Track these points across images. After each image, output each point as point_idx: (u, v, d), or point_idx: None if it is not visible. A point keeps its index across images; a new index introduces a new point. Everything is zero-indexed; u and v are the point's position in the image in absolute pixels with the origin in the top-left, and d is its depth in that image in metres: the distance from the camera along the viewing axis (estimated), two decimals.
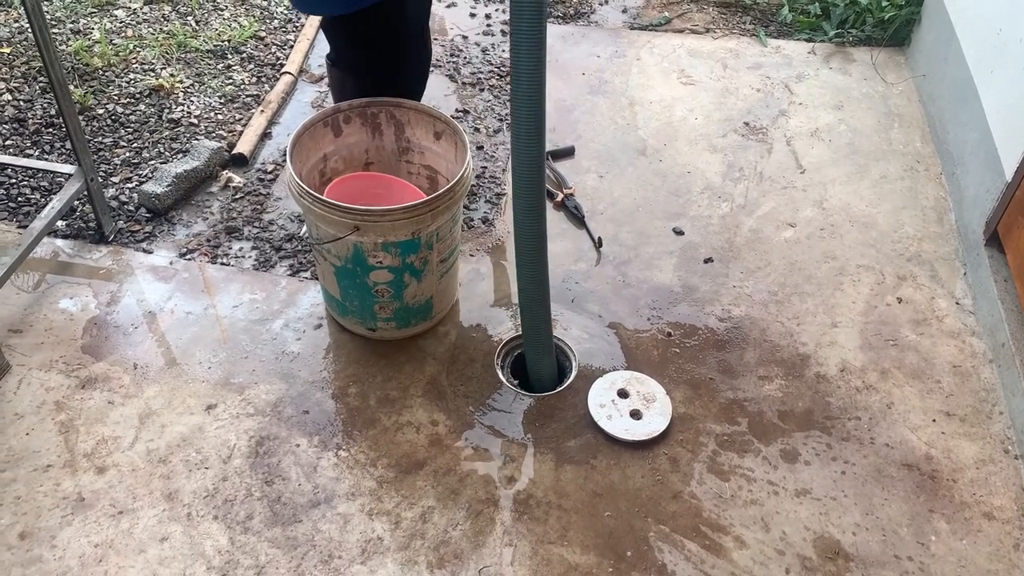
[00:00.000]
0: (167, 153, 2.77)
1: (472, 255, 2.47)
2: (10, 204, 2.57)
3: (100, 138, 2.81)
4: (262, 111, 2.94)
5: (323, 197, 1.89)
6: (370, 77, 2.20)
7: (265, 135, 2.88)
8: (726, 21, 3.54)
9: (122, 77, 3.06)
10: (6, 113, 2.87)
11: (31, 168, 2.61)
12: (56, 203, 2.27)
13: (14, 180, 2.65)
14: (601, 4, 3.64)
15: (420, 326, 2.21)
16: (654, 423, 2.03)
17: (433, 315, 2.22)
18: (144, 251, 2.45)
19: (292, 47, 3.28)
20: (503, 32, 3.42)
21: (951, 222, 2.61)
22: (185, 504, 1.86)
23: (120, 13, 3.39)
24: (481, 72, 3.20)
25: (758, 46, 3.38)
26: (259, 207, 2.61)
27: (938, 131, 2.88)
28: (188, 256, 2.44)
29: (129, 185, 2.65)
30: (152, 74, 3.08)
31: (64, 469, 1.92)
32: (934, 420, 2.08)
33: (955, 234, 2.57)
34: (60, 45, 3.17)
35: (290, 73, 3.12)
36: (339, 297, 2.13)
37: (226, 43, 3.26)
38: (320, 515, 1.85)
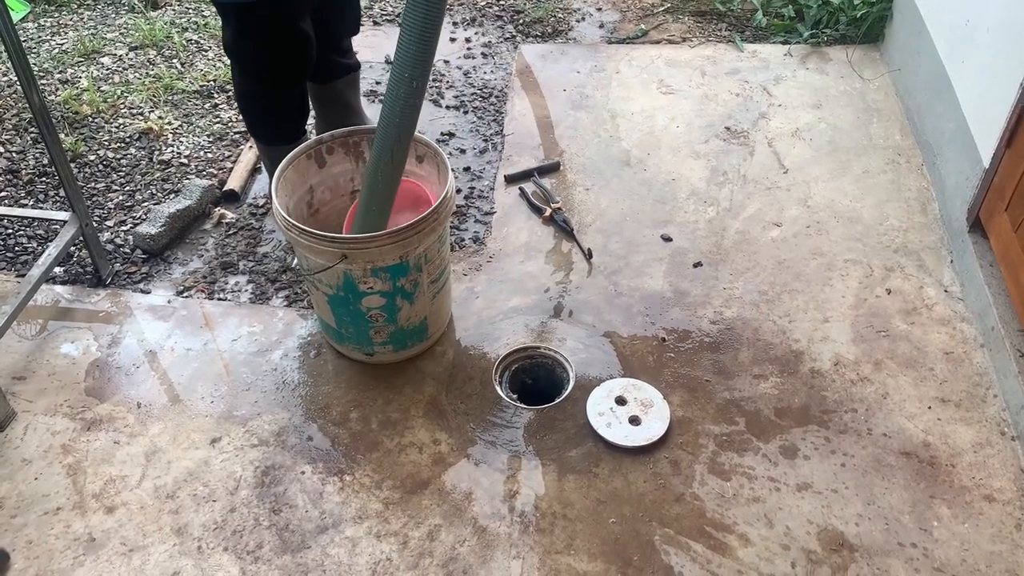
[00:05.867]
0: (159, 194, 2.81)
1: (465, 274, 2.51)
2: (7, 254, 2.61)
3: (93, 184, 2.86)
4: (251, 147, 2.98)
5: (308, 228, 1.93)
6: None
7: (255, 170, 2.93)
8: (702, 29, 3.59)
9: (111, 123, 3.11)
10: None
11: (26, 217, 2.66)
12: (52, 250, 2.31)
13: (10, 230, 2.69)
14: (578, 21, 3.69)
15: (417, 347, 2.24)
16: (653, 428, 2.05)
17: (429, 335, 2.25)
18: (142, 292, 2.48)
19: None
20: (484, 55, 3.48)
21: (935, 211, 2.65)
22: (195, 538, 1.89)
23: (106, 60, 3.45)
24: (464, 95, 3.25)
25: (735, 52, 3.43)
26: (253, 241, 2.65)
27: (916, 123, 2.92)
28: (185, 294, 2.47)
29: (124, 228, 2.69)
30: (141, 118, 3.13)
31: (74, 511, 1.94)
32: (930, 407, 2.11)
33: (939, 223, 2.60)
34: (49, 95, 3.23)
35: None
36: (334, 325, 2.16)
37: (212, 83, 3.31)
38: (328, 540, 1.87)
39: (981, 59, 2.45)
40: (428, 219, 1.96)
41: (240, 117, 3.15)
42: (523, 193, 2.78)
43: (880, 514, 1.89)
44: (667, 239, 2.60)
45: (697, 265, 2.51)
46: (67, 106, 3.15)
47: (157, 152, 2.98)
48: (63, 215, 2.41)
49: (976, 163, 2.38)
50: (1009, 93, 2.22)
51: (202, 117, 3.16)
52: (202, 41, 3.57)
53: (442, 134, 3.05)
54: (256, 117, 2.47)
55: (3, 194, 2.82)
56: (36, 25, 3.68)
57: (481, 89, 3.28)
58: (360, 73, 2.73)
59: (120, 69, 3.40)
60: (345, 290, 2.03)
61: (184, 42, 3.54)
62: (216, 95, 3.26)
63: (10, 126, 3.10)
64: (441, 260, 2.13)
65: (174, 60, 3.45)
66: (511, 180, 2.84)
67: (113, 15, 3.76)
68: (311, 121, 2.82)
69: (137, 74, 3.37)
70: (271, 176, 2.19)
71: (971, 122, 2.46)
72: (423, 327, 2.20)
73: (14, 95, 3.24)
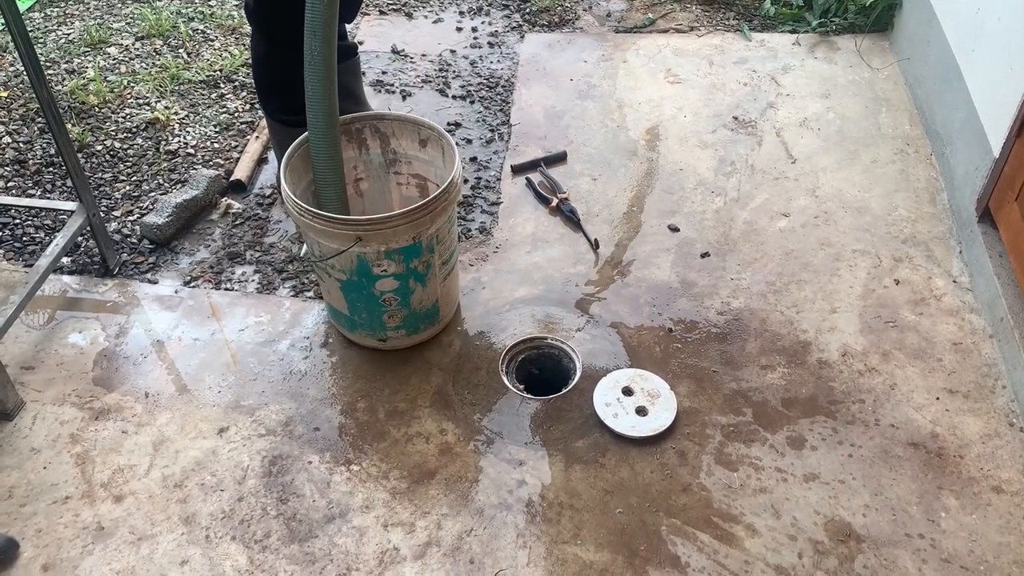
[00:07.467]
0: (166, 184, 2.81)
1: (472, 264, 2.51)
2: (15, 244, 2.61)
3: (100, 174, 2.86)
4: (257, 137, 2.98)
5: (321, 212, 1.93)
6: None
7: (261, 160, 2.92)
8: (710, 18, 3.57)
9: (118, 113, 3.11)
10: (7, 155, 2.92)
11: (34, 208, 2.66)
12: (60, 240, 2.32)
13: (18, 220, 2.69)
14: (585, 10, 3.68)
15: (428, 331, 2.25)
16: (660, 418, 2.05)
17: (440, 319, 2.25)
18: (149, 282, 2.48)
19: None
20: (490, 44, 3.46)
21: (943, 202, 2.63)
22: (203, 527, 1.89)
23: (113, 50, 3.45)
24: (471, 85, 3.24)
25: (743, 41, 3.42)
26: (259, 231, 2.65)
27: (925, 113, 2.91)
28: (192, 284, 2.47)
29: (131, 218, 2.69)
30: (147, 108, 3.13)
31: (82, 500, 1.95)
32: (938, 398, 2.10)
33: (948, 213, 2.59)
34: (56, 85, 3.23)
35: None
36: (347, 312, 2.16)
37: (218, 73, 3.31)
38: (336, 529, 1.88)
39: (992, 48, 2.43)
40: (439, 199, 1.96)
41: (247, 108, 3.15)
42: (530, 183, 2.78)
43: (887, 505, 1.89)
44: (674, 229, 2.59)
45: (704, 255, 2.50)
46: (74, 96, 3.15)
47: (164, 142, 2.98)
48: (70, 205, 2.42)
49: (986, 153, 2.37)
50: (1020, 82, 2.20)
51: (209, 107, 3.15)
52: (208, 31, 3.56)
53: (448, 124, 3.04)
54: (269, 86, 2.47)
55: (11, 184, 2.82)
56: (43, 15, 3.68)
57: (487, 79, 3.27)
58: (359, 59, 2.72)
59: (127, 59, 3.40)
60: (359, 274, 2.03)
61: (190, 32, 3.54)
62: (223, 85, 3.25)
63: (17, 116, 3.10)
64: (451, 241, 2.14)
65: (180, 50, 3.45)
66: (518, 170, 2.84)
67: (119, 5, 3.75)
68: None
69: (143, 64, 3.37)
70: (280, 163, 2.21)
71: (981, 111, 2.44)
72: (435, 310, 2.20)
73: (21, 85, 3.24)
